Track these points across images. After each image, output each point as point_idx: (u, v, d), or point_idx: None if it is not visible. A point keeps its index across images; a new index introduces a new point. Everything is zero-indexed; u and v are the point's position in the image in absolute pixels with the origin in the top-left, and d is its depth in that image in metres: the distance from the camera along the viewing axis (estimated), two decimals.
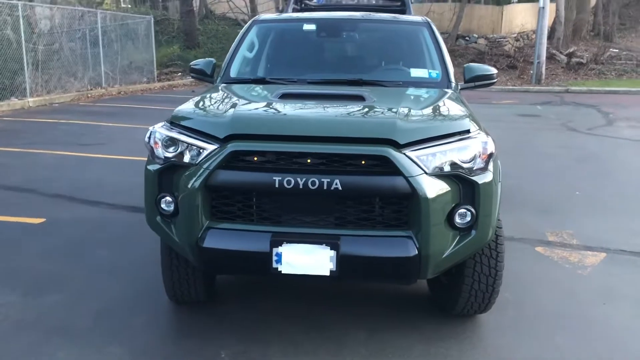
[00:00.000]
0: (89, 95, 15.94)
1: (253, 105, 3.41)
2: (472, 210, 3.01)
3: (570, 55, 23.00)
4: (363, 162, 2.89)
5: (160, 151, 3.17)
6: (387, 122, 3.05)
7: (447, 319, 3.59)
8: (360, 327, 3.47)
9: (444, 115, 3.29)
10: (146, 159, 3.31)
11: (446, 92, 3.86)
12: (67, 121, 11.57)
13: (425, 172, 2.88)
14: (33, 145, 9.00)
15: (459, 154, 2.98)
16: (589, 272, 4.42)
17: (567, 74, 22.14)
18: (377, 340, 3.35)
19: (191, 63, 4.59)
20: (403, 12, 5.64)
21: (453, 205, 2.97)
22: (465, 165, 2.98)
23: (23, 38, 13.71)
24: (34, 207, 5.89)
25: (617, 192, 6.72)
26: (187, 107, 3.43)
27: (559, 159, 8.36)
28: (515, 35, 26.21)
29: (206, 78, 4.48)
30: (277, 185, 2.86)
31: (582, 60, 22.78)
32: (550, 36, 23.30)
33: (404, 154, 2.88)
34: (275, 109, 3.33)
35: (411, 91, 3.89)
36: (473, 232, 3.04)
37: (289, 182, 2.85)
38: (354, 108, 3.31)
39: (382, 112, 3.28)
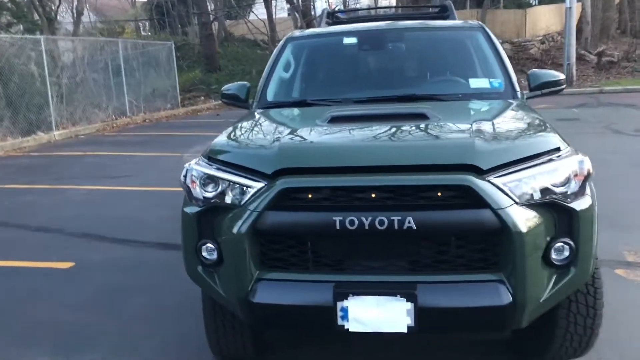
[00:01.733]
0: (114, 125, 15.77)
1: (301, 133, 2.98)
2: (571, 243, 2.53)
3: (600, 55, 22.27)
4: (439, 194, 2.44)
5: (198, 191, 2.76)
6: (464, 144, 2.59)
7: None
8: None
9: (527, 132, 2.82)
10: (177, 190, 2.89)
11: (517, 104, 3.38)
12: (94, 153, 11.32)
13: (516, 202, 2.41)
14: (60, 181, 8.72)
15: (551, 177, 2.51)
16: None
17: (599, 74, 21.39)
18: None
19: (223, 88, 4.20)
20: (446, 19, 5.17)
21: (548, 239, 2.49)
22: (558, 190, 2.50)
23: (47, 72, 13.59)
24: (62, 249, 5.54)
25: None
26: (225, 139, 3.02)
27: (613, 166, 7.78)
28: (540, 37, 25.56)
29: (240, 103, 4.08)
30: (338, 227, 2.42)
31: (613, 59, 22.04)
32: (578, 36, 22.60)
33: (489, 181, 2.42)
34: (327, 136, 2.90)
35: (476, 105, 3.42)
36: (572, 269, 2.55)
37: (352, 223, 2.41)
38: (419, 129, 2.86)
39: (454, 133, 2.83)
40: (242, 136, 3.10)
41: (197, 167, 2.81)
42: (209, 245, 2.74)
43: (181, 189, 2.85)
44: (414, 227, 2.37)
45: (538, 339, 2.99)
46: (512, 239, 2.37)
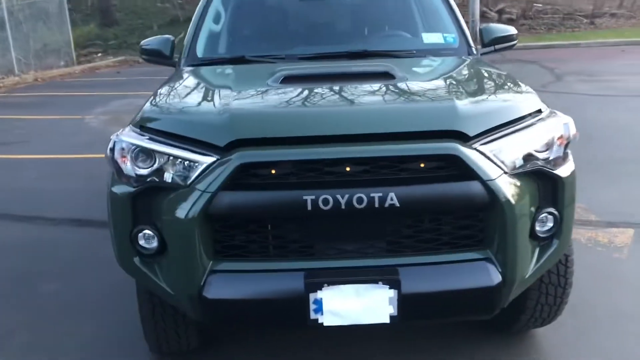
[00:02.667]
0: (1, 85, 14.25)
1: (253, 96, 2.55)
2: (555, 213, 2.33)
3: (500, 12, 22.88)
4: (422, 166, 2.13)
5: (130, 167, 2.29)
6: (447, 107, 2.28)
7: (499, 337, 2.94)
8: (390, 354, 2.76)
9: (506, 94, 2.56)
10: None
11: (478, 61, 3.12)
12: None
13: (504, 172, 2.16)
14: None
15: (535, 142, 2.27)
16: (626, 254, 3.89)
17: None
18: None
19: (142, 43, 3.64)
20: None
21: (533, 210, 2.27)
22: (541, 156, 2.28)
23: None
24: None
25: (610, 156, 6.28)
26: (159, 103, 2.55)
27: None
28: None
29: (164, 60, 3.55)
30: (309, 208, 2.06)
31: (512, 16, 22.71)
32: None
33: (476, 149, 2.14)
34: (287, 100, 2.50)
35: (437, 62, 3.13)
36: (555, 241, 2.36)
37: (325, 202, 2.06)
38: (390, 91, 2.52)
39: (430, 95, 2.51)
40: (178, 100, 2.61)
41: (127, 138, 2.33)
42: (147, 232, 2.30)
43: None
44: (397, 204, 2.06)
45: (507, 311, 2.82)
46: (503, 212, 2.13)
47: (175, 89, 2.80)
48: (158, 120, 2.38)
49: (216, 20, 3.63)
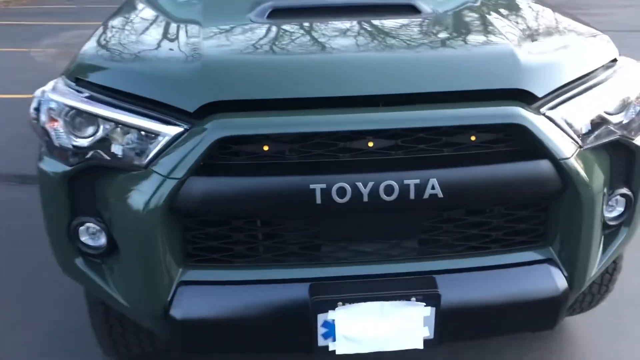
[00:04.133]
0: None
1: (232, 39, 1.86)
2: (629, 194, 1.79)
3: None
4: (473, 139, 1.55)
5: (64, 136, 1.64)
6: (503, 56, 1.66)
7: None
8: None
9: (572, 38, 1.92)
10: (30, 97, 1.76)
11: None
12: None
13: (580, 146, 1.60)
14: None
15: (609, 102, 1.70)
16: None
17: None
18: None
19: None
20: None
21: (605, 192, 1.73)
22: (614, 120, 1.71)
23: None
24: None
25: None
26: (102, 48, 1.86)
27: None
28: None
29: None
30: (319, 201, 1.47)
31: None
32: None
33: (544, 114, 1.56)
34: (279, 43, 1.83)
35: None
36: (624, 230, 1.85)
37: (341, 193, 1.46)
38: (418, 32, 1.88)
39: (476, 39, 1.88)
40: (129, 42, 1.91)
41: (58, 96, 1.67)
42: (91, 225, 1.69)
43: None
44: (440, 194, 1.48)
45: None
46: (578, 199, 1.58)
47: (126, 25, 2.09)
48: (100, 72, 1.72)
49: None
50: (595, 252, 1.74)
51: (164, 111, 1.56)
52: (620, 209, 1.81)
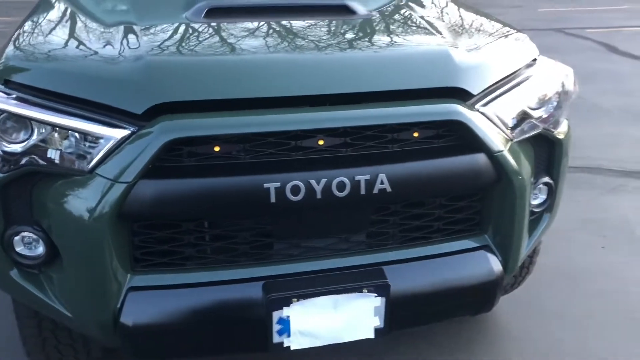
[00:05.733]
0: None
1: (170, 38, 1.81)
2: (551, 183, 1.95)
3: None
4: (415, 135, 1.62)
5: None
6: (440, 56, 1.75)
7: None
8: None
9: (498, 38, 2.04)
10: None
11: None
12: None
13: (510, 139, 1.72)
14: None
15: (531, 98, 1.84)
16: None
17: None
18: None
19: None
20: None
21: (532, 181, 1.87)
22: (537, 114, 1.86)
23: None
24: None
25: None
26: (31, 46, 1.77)
27: None
28: None
29: None
30: (273, 200, 1.48)
31: None
32: None
33: (479, 111, 1.67)
34: (221, 43, 1.81)
35: None
36: (546, 216, 2.01)
37: (295, 191, 1.49)
38: (359, 31, 1.94)
39: (412, 39, 1.95)
40: (60, 41, 1.81)
41: None
42: (28, 234, 1.60)
43: None
44: (389, 188, 1.54)
45: None
46: (510, 189, 1.70)
47: (55, 23, 1.98)
48: (33, 73, 1.63)
49: None
50: (525, 238, 1.87)
51: (107, 113, 1.51)
52: (543, 197, 1.97)
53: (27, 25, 1.96)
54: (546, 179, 1.93)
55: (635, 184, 3.95)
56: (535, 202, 1.95)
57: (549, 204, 1.98)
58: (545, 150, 1.92)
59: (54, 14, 2.09)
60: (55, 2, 2.23)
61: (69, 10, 2.11)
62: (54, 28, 1.94)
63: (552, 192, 1.96)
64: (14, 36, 1.88)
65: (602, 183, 3.95)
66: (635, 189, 3.87)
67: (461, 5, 2.35)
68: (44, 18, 2.05)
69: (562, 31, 9.02)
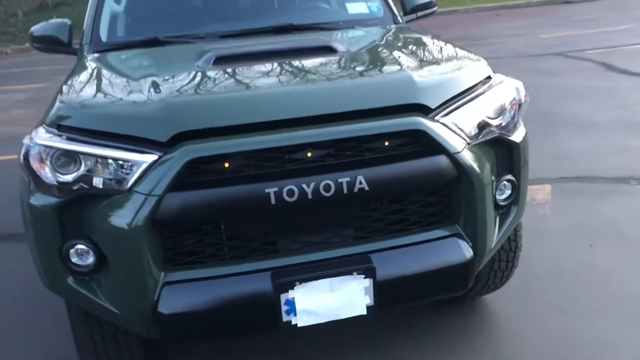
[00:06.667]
0: None
1: (188, 82, 2.26)
2: (513, 180, 2.29)
3: None
4: (386, 144, 1.99)
5: (49, 175, 1.96)
6: (404, 80, 2.14)
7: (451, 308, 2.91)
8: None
9: (454, 62, 2.45)
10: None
11: (408, 29, 3.02)
12: None
13: (468, 143, 2.08)
14: None
15: (489, 109, 2.21)
16: (549, 210, 4.02)
17: None
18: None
19: (33, 30, 3.20)
20: None
21: (494, 179, 2.22)
22: (496, 122, 2.22)
23: None
24: None
25: None
26: (76, 98, 2.21)
27: None
28: None
29: (62, 48, 3.15)
30: (273, 201, 1.86)
31: None
32: None
33: (438, 121, 2.04)
34: (227, 83, 2.24)
35: (376, 34, 2.98)
36: (513, 208, 2.34)
37: (290, 193, 1.87)
38: (338, 66, 2.35)
39: (381, 68, 2.36)
40: (99, 92, 2.27)
41: (43, 140, 1.99)
42: (80, 247, 1.99)
43: None
44: (366, 187, 1.91)
45: None
46: (471, 185, 2.05)
47: (91, 79, 2.45)
48: (78, 117, 2.05)
49: (117, 0, 3.25)
50: (492, 226, 2.21)
51: (138, 143, 1.92)
52: (508, 192, 2.30)
53: (70, 83, 2.41)
54: (509, 177, 2.27)
55: (625, 188, 4.22)
56: (501, 197, 2.28)
57: (514, 198, 2.31)
58: (506, 152, 2.27)
59: (90, 73, 2.55)
60: (88, 65, 2.69)
61: (102, 70, 2.58)
62: (91, 83, 2.40)
63: (516, 187, 2.29)
64: (61, 92, 2.32)
65: (593, 189, 4.23)
66: (624, 193, 4.14)
67: (427, 38, 2.76)
68: (82, 77, 2.50)
69: (562, 54, 9.35)
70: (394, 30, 3.06)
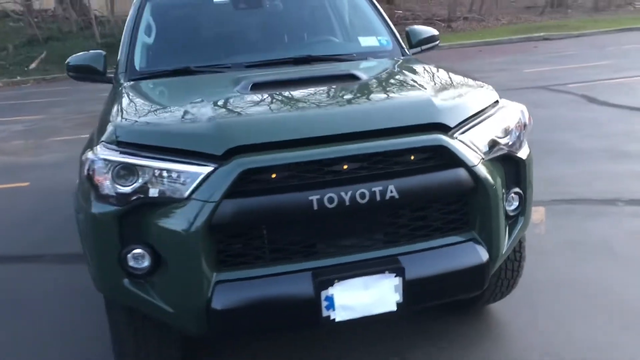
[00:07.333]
0: None
1: (233, 104, 2.53)
2: (520, 192, 2.56)
3: None
4: (412, 158, 2.26)
5: (109, 186, 2.18)
6: (426, 102, 2.43)
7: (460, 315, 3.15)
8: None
9: (467, 88, 2.75)
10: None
11: (417, 60, 3.33)
12: None
13: (482, 158, 2.35)
14: None
15: (499, 129, 2.49)
16: (544, 230, 4.30)
17: None
18: None
19: (70, 60, 3.44)
20: None
21: (504, 191, 2.48)
22: (505, 141, 2.50)
23: None
24: None
25: None
26: (132, 118, 2.45)
27: None
28: None
29: (98, 77, 3.39)
30: (315, 207, 2.10)
31: None
32: None
33: (457, 138, 2.31)
34: (268, 105, 2.51)
35: (391, 64, 3.30)
36: (521, 219, 2.60)
37: (331, 200, 2.11)
38: (364, 90, 2.63)
39: (404, 92, 2.65)
40: (149, 112, 2.52)
41: (106, 155, 2.22)
42: (138, 251, 2.21)
43: None
44: (396, 196, 2.17)
45: None
46: (486, 195, 2.31)
47: (139, 102, 2.70)
48: (136, 135, 2.29)
49: (148, 33, 3.53)
50: (504, 233, 2.46)
51: (195, 157, 2.16)
52: (516, 204, 2.57)
53: (119, 106, 2.63)
54: (516, 189, 2.55)
55: (612, 209, 4.53)
56: (510, 208, 2.55)
57: (522, 209, 2.58)
58: (513, 168, 2.54)
59: (136, 97, 2.81)
60: (131, 90, 2.95)
61: (147, 94, 2.85)
62: (140, 105, 2.66)
63: (522, 199, 2.56)
64: (110, 114, 2.56)
65: (583, 210, 4.53)
66: (612, 214, 4.45)
67: (441, 67, 3.07)
68: (130, 100, 2.74)
69: (546, 88, 9.80)
70: (404, 61, 3.37)
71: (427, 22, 24.07)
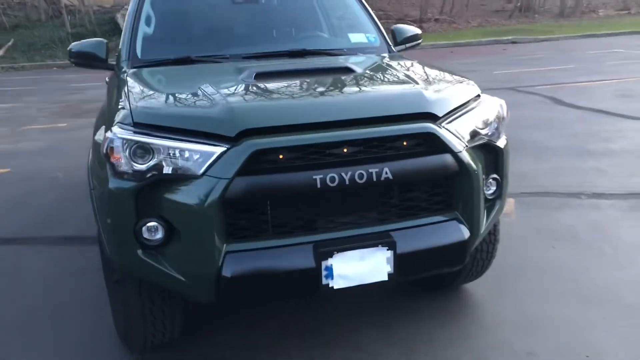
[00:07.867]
0: None
1: (242, 90, 2.74)
2: (498, 178, 2.83)
3: None
4: (405, 144, 2.50)
5: (126, 163, 2.36)
6: (417, 93, 2.67)
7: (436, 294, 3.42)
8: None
9: (451, 82, 3.01)
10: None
11: (402, 57, 3.58)
12: None
13: (466, 145, 2.60)
14: None
15: (481, 120, 2.75)
16: (514, 219, 4.60)
17: None
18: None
19: (72, 46, 3.58)
20: None
21: (484, 176, 2.75)
22: (486, 131, 2.76)
23: None
24: None
25: None
26: (147, 101, 2.63)
27: None
28: None
29: (99, 64, 3.54)
30: (319, 186, 2.33)
31: None
32: None
33: (443, 127, 2.56)
34: (276, 92, 2.73)
35: (379, 59, 3.54)
36: (498, 202, 2.87)
37: (332, 180, 2.34)
38: (360, 81, 2.87)
39: (397, 84, 2.89)
40: (161, 96, 2.71)
41: (125, 135, 2.39)
42: (152, 224, 2.39)
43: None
44: (391, 177, 2.41)
45: None
46: (469, 178, 2.56)
47: (150, 87, 2.87)
48: (151, 116, 2.46)
49: (148, 23, 3.70)
50: (483, 214, 2.72)
51: (209, 138, 2.35)
52: (493, 188, 2.83)
53: (128, 90, 2.79)
54: (494, 175, 2.81)
55: (577, 202, 4.86)
56: (488, 192, 2.81)
57: (499, 193, 2.85)
58: (492, 156, 2.80)
59: (144, 83, 2.97)
60: (137, 76, 3.09)
61: (155, 79, 3.03)
62: (151, 90, 2.84)
63: (500, 184, 2.83)
64: (120, 97, 2.73)
65: (550, 202, 4.86)
66: (576, 206, 4.78)
67: (426, 64, 3.32)
68: (139, 85, 2.90)
69: (514, 89, 10.20)
70: (392, 57, 3.61)
71: (399, 22, 24.48)
